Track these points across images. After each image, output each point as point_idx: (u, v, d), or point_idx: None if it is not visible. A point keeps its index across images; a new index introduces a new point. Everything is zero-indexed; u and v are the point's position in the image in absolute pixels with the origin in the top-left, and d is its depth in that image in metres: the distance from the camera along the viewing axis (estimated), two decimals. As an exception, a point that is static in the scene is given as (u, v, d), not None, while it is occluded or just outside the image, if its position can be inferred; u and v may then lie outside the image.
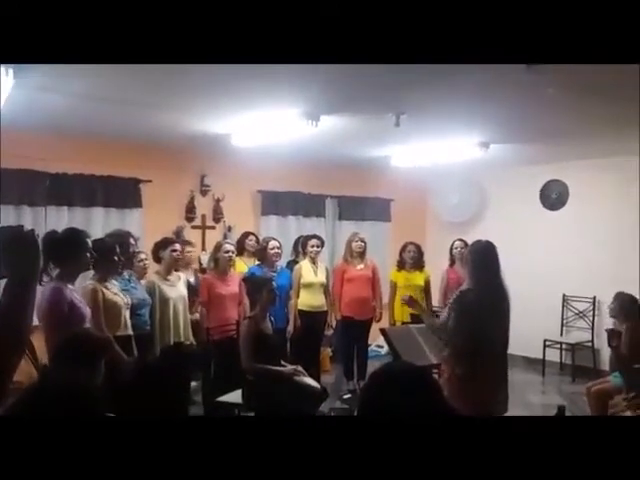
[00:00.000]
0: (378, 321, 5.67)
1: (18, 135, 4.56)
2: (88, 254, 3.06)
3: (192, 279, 5.04)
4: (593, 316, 6.56)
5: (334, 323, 5.90)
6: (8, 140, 4.37)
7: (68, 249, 2.99)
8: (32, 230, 1.26)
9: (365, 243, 5.70)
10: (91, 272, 3.47)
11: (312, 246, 5.56)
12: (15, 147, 4.64)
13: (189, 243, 5.30)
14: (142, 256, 4.41)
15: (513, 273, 3.60)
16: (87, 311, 3.09)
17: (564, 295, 6.75)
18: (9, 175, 4.81)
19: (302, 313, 5.45)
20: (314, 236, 5.73)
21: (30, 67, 2.97)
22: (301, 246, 5.82)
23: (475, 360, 3.18)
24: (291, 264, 5.77)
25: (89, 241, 3.12)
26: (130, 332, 3.58)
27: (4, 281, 1.25)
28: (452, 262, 5.91)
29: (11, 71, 2.96)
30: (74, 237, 3.08)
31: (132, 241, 4.08)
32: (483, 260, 3.34)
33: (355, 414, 1.44)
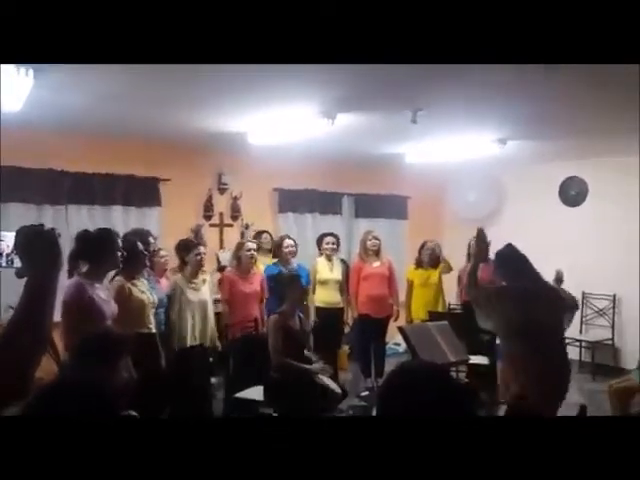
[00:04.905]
0: (396, 320, 5.64)
1: (38, 134, 4.62)
2: (119, 253, 3.16)
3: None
4: (613, 314, 6.49)
5: (351, 321, 5.91)
6: (29, 140, 4.43)
7: (100, 248, 3.11)
8: (53, 229, 1.26)
9: (379, 241, 5.69)
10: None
11: (327, 243, 5.62)
12: (35, 146, 4.70)
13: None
14: (162, 252, 4.43)
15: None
16: (110, 308, 3.14)
17: (583, 293, 6.66)
18: (30, 174, 4.87)
19: (319, 309, 5.49)
20: (329, 234, 5.77)
21: (49, 67, 3.00)
22: (317, 243, 5.86)
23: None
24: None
25: (120, 241, 3.23)
26: (154, 330, 3.64)
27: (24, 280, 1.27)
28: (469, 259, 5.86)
29: (31, 72, 2.99)
30: (106, 236, 3.19)
31: (151, 240, 4.11)
32: (514, 268, 3.33)
33: (373, 411, 1.43)
